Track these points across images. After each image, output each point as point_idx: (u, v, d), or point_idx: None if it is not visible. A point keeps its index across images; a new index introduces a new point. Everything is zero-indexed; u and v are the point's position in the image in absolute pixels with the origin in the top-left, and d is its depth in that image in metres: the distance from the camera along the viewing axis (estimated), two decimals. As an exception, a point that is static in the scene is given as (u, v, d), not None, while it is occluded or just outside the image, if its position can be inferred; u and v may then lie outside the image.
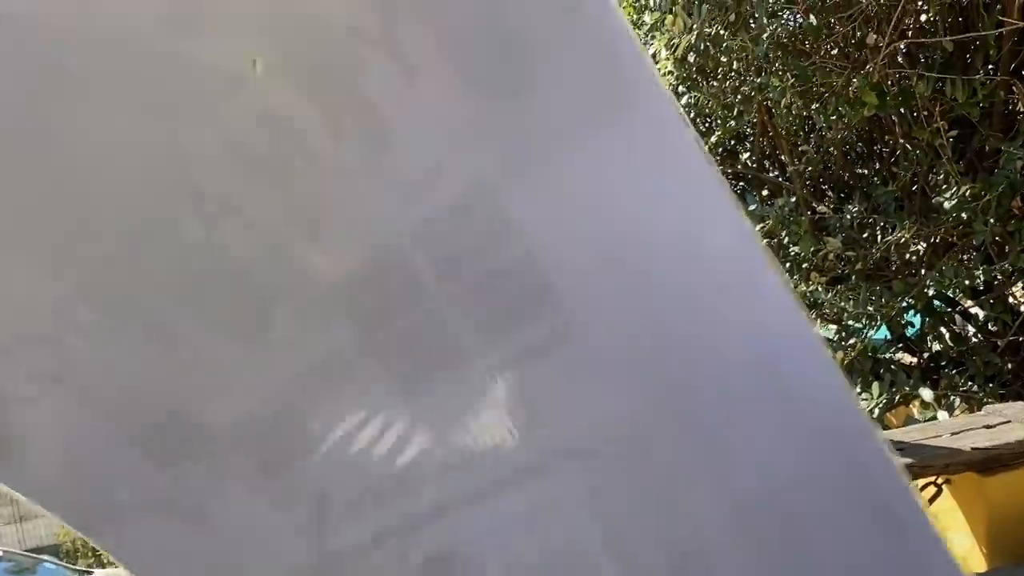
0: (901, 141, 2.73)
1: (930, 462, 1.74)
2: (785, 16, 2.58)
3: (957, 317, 2.94)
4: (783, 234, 2.67)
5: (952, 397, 2.50)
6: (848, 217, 2.69)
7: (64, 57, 0.37)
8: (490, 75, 0.34)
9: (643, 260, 0.35)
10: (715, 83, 2.80)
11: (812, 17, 2.53)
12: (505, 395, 0.36)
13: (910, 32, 2.65)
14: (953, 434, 1.86)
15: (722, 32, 2.57)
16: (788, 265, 2.64)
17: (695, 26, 2.53)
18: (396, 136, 0.34)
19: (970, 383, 2.56)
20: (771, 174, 3.26)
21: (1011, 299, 2.76)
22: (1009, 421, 1.85)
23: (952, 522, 1.98)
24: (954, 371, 2.66)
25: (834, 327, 2.69)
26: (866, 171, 3.10)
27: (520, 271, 0.35)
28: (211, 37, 0.34)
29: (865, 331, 2.63)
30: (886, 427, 2.58)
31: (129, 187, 0.38)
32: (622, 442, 0.36)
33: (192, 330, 0.40)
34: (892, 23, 2.41)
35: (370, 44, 0.35)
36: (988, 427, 1.85)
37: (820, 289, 2.61)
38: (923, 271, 2.73)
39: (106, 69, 0.37)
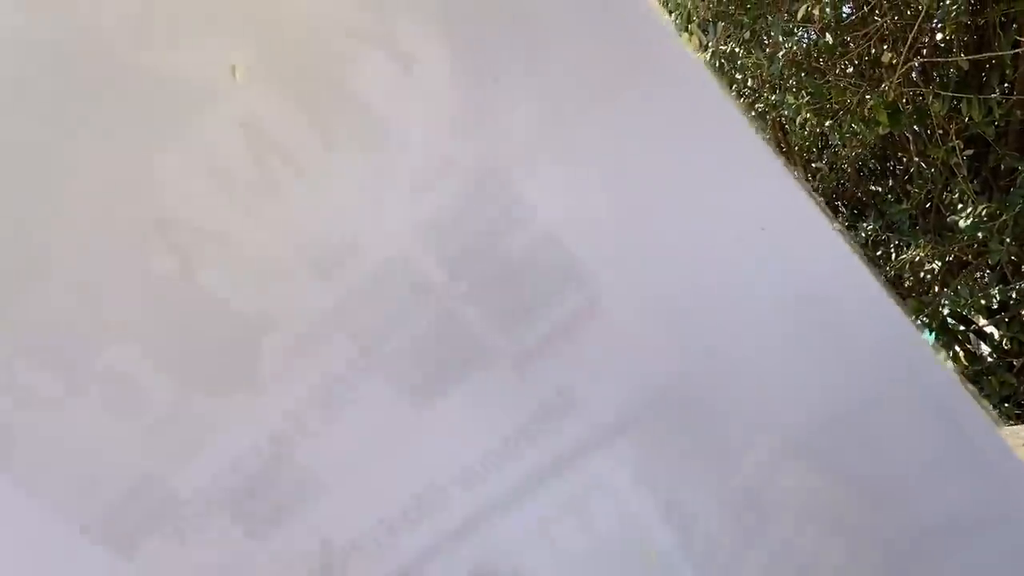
0: (916, 159, 2.73)
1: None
2: (800, 34, 2.59)
3: (972, 336, 2.92)
4: (797, 251, 2.67)
5: (967, 417, 2.48)
6: (862, 235, 2.69)
7: (13, 70, 0.34)
8: (494, 55, 0.33)
9: (669, 217, 0.33)
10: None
11: (828, 35, 2.54)
12: (534, 385, 0.34)
13: (925, 51, 2.65)
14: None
15: (737, 50, 2.58)
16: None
17: (710, 44, 2.54)
18: (393, 134, 0.33)
19: (985, 403, 2.54)
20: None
21: (1026, 319, 2.75)
22: (1027, 443, 1.83)
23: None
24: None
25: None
26: (880, 189, 3.09)
27: (539, 252, 0.33)
28: (184, 45, 0.31)
29: (879, 349, 2.61)
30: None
31: (88, 219, 0.34)
32: (667, 406, 0.34)
33: (162, 384, 0.35)
34: (908, 42, 2.42)
35: (361, 39, 0.33)
36: (1005, 448, 1.83)
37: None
38: (937, 289, 2.72)
39: (62, 84, 0.32)
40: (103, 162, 0.34)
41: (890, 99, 2.47)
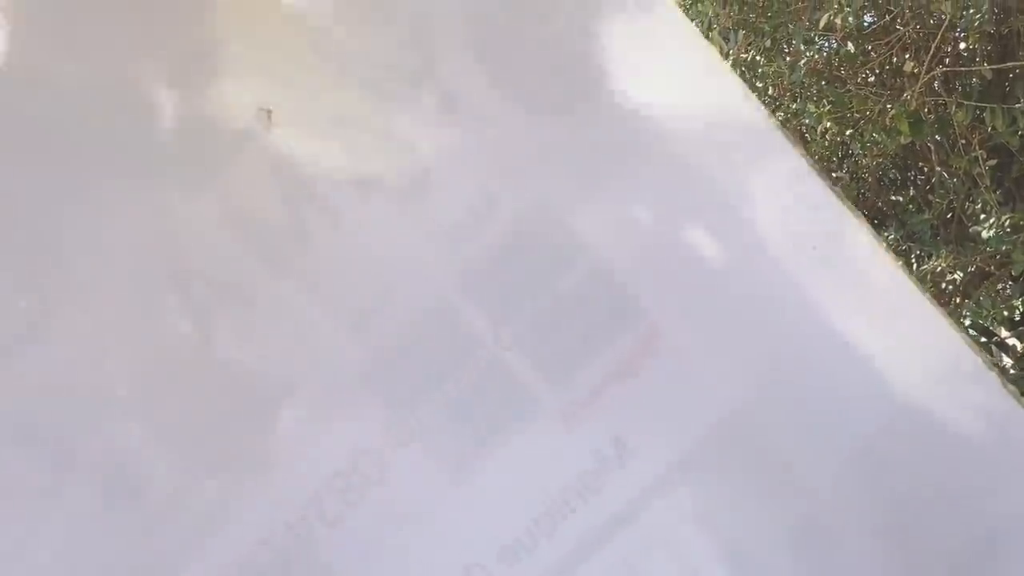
0: (938, 169, 2.71)
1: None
2: (821, 43, 2.57)
3: (993, 348, 2.90)
4: (817, 261, 2.66)
5: (989, 430, 2.46)
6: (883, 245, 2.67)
7: (45, 110, 0.29)
8: (541, 92, 0.31)
9: (721, 244, 0.32)
10: (749, 109, 2.80)
11: (849, 44, 2.52)
12: (586, 436, 0.32)
13: (948, 60, 2.63)
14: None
15: (758, 58, 2.57)
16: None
17: (731, 52, 2.53)
18: (436, 174, 0.31)
19: None
20: (803, 199, 3.25)
21: (1049, 331, 2.72)
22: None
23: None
24: (990, 403, 2.62)
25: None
26: (901, 198, 3.07)
27: (591, 290, 0.31)
28: (217, 87, 0.29)
29: (899, 360, 2.60)
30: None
31: (95, 273, 0.28)
32: (728, 440, 0.33)
33: (164, 466, 0.28)
34: (930, 51, 2.39)
35: (403, 80, 0.31)
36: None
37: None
38: (959, 301, 2.69)
39: (84, 125, 0.29)
40: (117, 209, 0.30)
41: (912, 108, 2.45)
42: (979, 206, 2.64)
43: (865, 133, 2.62)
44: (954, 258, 2.55)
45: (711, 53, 0.35)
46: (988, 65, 2.46)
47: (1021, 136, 2.52)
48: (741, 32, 2.49)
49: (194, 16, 0.32)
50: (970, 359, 0.34)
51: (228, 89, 0.32)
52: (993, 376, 0.34)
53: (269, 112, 0.31)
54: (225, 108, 0.31)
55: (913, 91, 2.45)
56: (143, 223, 0.31)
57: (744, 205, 0.34)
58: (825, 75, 2.62)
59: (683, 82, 0.34)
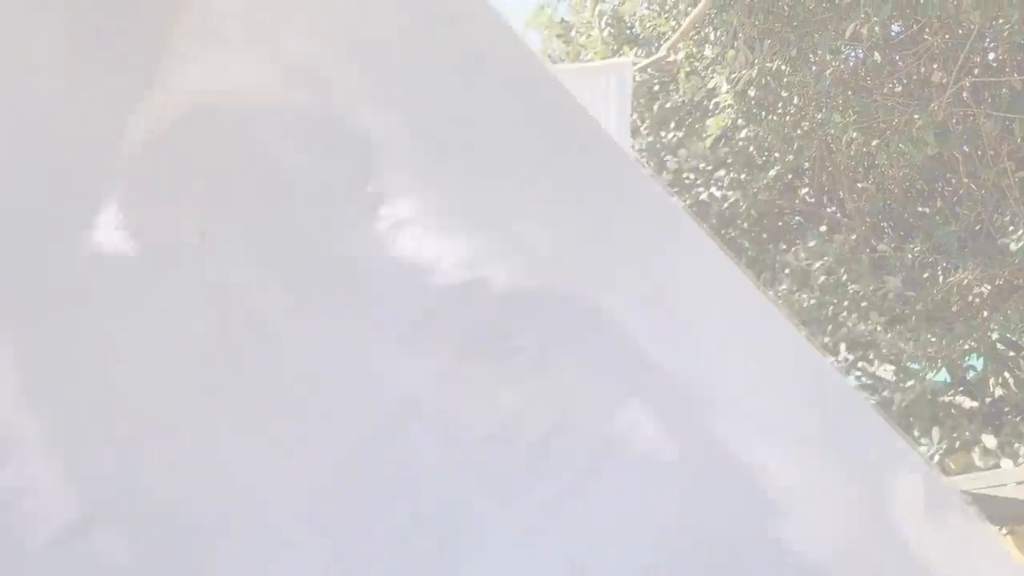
0: (965, 180, 2.68)
1: (994, 512, 1.69)
2: (848, 53, 2.56)
3: (1021, 362, 2.86)
4: (842, 272, 2.64)
5: (1016, 444, 2.43)
6: (909, 256, 2.64)
7: None
8: (484, 207, 0.31)
9: (666, 349, 0.32)
10: (775, 118, 2.79)
11: (876, 54, 2.51)
12: (543, 564, 0.29)
13: (977, 70, 2.61)
14: (1018, 483, 1.80)
15: (783, 67, 2.56)
16: (847, 303, 2.59)
17: (756, 61, 2.53)
18: (377, 294, 0.29)
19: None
20: (829, 209, 3.23)
21: (1079, 345, 2.68)
22: (1079, 473, 1.79)
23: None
24: (1018, 417, 2.58)
25: (892, 367, 2.64)
26: (928, 210, 3.04)
27: (543, 402, 0.29)
28: (151, 207, 0.28)
29: (923, 373, 2.57)
30: (946, 473, 2.51)
31: (17, 414, 0.28)
32: (687, 552, 0.31)
33: None
34: (959, 61, 2.38)
35: (340, 200, 0.30)
36: (1056, 478, 1.79)
37: (879, 329, 2.56)
38: (986, 313, 2.66)
39: (11, 248, 0.29)
40: (37, 336, 0.29)
41: (939, 119, 2.43)
42: (1007, 218, 2.61)
43: (891, 143, 2.60)
44: (982, 271, 2.52)
45: (629, 157, 0.34)
46: (1018, 76, 2.44)
47: (1051, 147, 2.49)
48: (767, 41, 2.49)
49: (123, 133, 0.32)
50: (936, 483, 0.34)
51: (159, 209, 0.31)
52: (930, 469, 0.33)
53: (202, 233, 0.31)
54: (156, 228, 0.30)
55: (940, 101, 2.43)
56: (65, 352, 0.29)
57: (687, 311, 0.34)
58: (851, 85, 2.61)
59: (616, 194, 0.34)
